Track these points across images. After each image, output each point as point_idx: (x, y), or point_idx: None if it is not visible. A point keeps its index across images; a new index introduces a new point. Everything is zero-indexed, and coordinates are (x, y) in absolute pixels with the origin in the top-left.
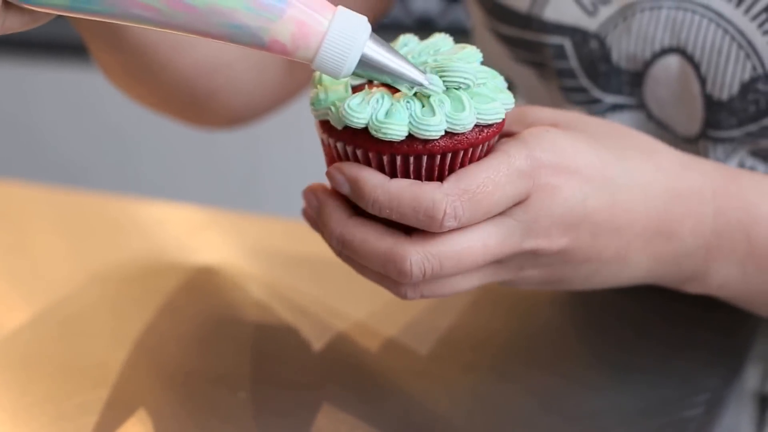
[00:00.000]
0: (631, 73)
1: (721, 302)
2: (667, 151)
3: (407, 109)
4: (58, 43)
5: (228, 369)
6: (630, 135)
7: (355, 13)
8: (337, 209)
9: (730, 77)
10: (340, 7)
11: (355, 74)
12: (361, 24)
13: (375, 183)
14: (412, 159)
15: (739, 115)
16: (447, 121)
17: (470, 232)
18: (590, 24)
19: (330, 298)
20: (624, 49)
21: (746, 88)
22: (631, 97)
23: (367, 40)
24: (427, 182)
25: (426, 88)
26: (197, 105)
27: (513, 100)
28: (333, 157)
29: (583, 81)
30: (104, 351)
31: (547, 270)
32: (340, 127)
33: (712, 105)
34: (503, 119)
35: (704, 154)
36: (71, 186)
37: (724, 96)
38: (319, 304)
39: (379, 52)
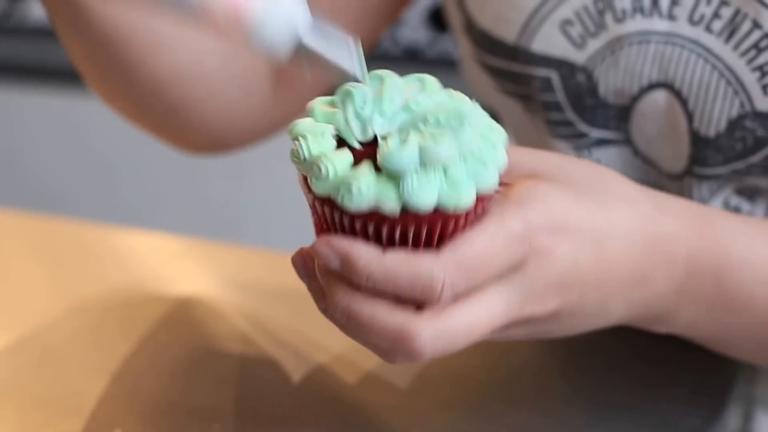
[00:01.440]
0: (618, 108)
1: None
2: (644, 197)
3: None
4: (38, 68)
5: (203, 401)
6: (609, 179)
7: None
8: (338, 284)
9: (717, 113)
10: None
11: (293, 62)
12: (301, 8)
13: (369, 258)
14: (385, 232)
15: (726, 153)
16: (438, 200)
17: (476, 303)
18: (578, 57)
19: (308, 330)
20: (611, 83)
21: (734, 125)
22: (617, 131)
23: (306, 27)
24: (422, 255)
25: (361, 81)
26: (175, 117)
27: (505, 159)
28: (316, 212)
29: (570, 114)
30: (79, 380)
31: (532, 329)
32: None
33: (698, 141)
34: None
35: (689, 191)
36: (49, 212)
37: (711, 132)
38: (298, 337)
39: (319, 41)
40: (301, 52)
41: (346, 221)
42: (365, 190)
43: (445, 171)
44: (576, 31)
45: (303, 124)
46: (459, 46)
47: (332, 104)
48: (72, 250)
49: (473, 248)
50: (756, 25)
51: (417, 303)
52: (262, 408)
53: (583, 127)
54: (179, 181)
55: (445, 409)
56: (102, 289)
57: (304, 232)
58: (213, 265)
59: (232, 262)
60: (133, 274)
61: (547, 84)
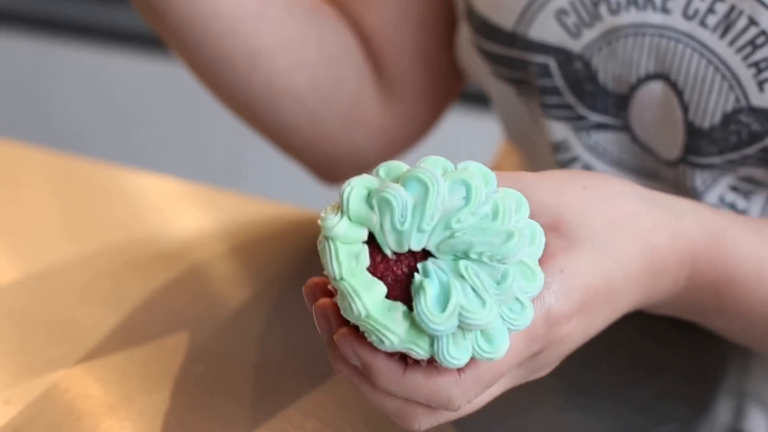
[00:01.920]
0: (617, 95)
1: (693, 325)
2: (660, 223)
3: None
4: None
5: (194, 342)
6: (629, 217)
7: None
8: (388, 363)
9: (712, 107)
10: None
11: None
12: None
13: (388, 375)
14: None
15: (720, 144)
16: (473, 354)
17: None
18: (574, 45)
19: (301, 276)
20: (610, 71)
21: (728, 118)
22: (616, 118)
23: None
24: (442, 376)
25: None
26: (312, 134)
27: (541, 283)
28: None
29: (569, 98)
30: (74, 308)
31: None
32: None
33: (693, 132)
34: None
35: (683, 178)
36: (65, 150)
37: (706, 124)
38: (289, 282)
39: None
40: None
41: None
42: (396, 344)
43: (477, 332)
44: (571, 20)
45: (337, 227)
46: (460, 30)
47: (369, 195)
48: (84, 187)
49: (494, 370)
50: (752, 21)
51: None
52: (247, 354)
53: (582, 110)
54: (188, 131)
55: None
56: (105, 225)
57: (300, 185)
58: (212, 208)
59: (229, 207)
60: (136, 213)
61: (544, 70)
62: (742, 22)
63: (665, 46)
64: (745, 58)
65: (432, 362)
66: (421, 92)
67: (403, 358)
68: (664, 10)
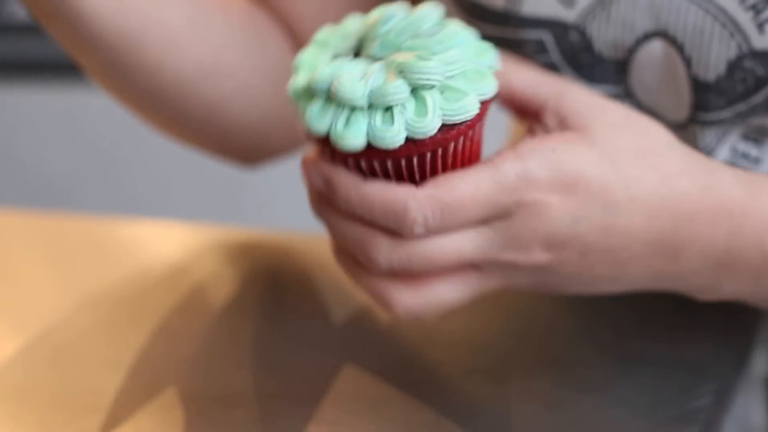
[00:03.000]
0: (615, 62)
1: None
2: (690, 171)
3: (367, 117)
4: (38, 63)
5: (225, 388)
6: (657, 153)
7: None
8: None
9: (715, 57)
10: None
11: None
12: None
13: (348, 184)
14: (377, 163)
15: (728, 95)
16: (407, 129)
17: (445, 236)
18: (568, 15)
19: (327, 309)
20: (605, 37)
21: (733, 66)
22: (616, 86)
23: None
24: (401, 186)
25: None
26: (212, 120)
27: (493, 87)
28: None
29: (567, 73)
30: (97, 377)
31: (536, 278)
32: None
33: (699, 87)
34: (482, 107)
35: (693, 139)
36: (53, 209)
37: (711, 76)
38: (316, 317)
39: None
40: None
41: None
42: (315, 114)
43: (415, 99)
44: None
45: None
46: (448, 14)
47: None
48: (78, 245)
49: (454, 191)
50: None
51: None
52: (284, 391)
53: (582, 83)
54: (183, 169)
55: (468, 377)
56: (112, 283)
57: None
58: (223, 249)
59: (242, 245)
60: (142, 265)
61: (540, 46)
62: None
63: (660, 1)
64: (742, 1)
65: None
66: None
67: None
68: None
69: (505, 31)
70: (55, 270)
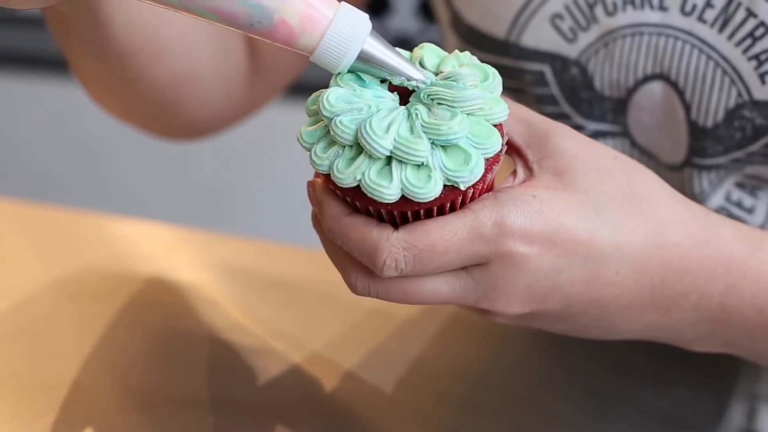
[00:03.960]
0: (614, 100)
1: None
2: (684, 224)
3: (367, 165)
4: (30, 56)
5: (198, 393)
6: (647, 199)
7: (357, 9)
8: (336, 204)
9: (715, 104)
10: (344, 2)
11: (352, 69)
12: (364, 19)
13: (332, 213)
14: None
15: (725, 142)
16: (403, 189)
17: (427, 281)
18: (570, 51)
19: (303, 319)
20: (607, 76)
21: (731, 114)
22: (614, 124)
23: (368, 36)
24: (378, 227)
25: (422, 83)
26: (164, 116)
27: (498, 144)
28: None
29: (565, 107)
30: (73, 370)
31: (516, 321)
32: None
33: (696, 132)
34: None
35: (689, 183)
36: (42, 201)
37: (709, 123)
38: (292, 327)
39: (378, 48)
40: (362, 59)
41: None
42: (319, 150)
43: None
44: (566, 24)
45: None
46: (446, 40)
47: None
48: (63, 238)
49: (427, 236)
50: (750, 13)
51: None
52: (257, 400)
53: (579, 119)
54: (169, 169)
55: (442, 404)
56: (94, 278)
57: (296, 221)
58: (206, 254)
59: (225, 251)
60: (125, 263)
61: (540, 78)
62: (740, 15)
63: (663, 44)
64: (745, 51)
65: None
66: (292, 72)
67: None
68: (662, 7)
69: (503, 60)
70: (38, 262)
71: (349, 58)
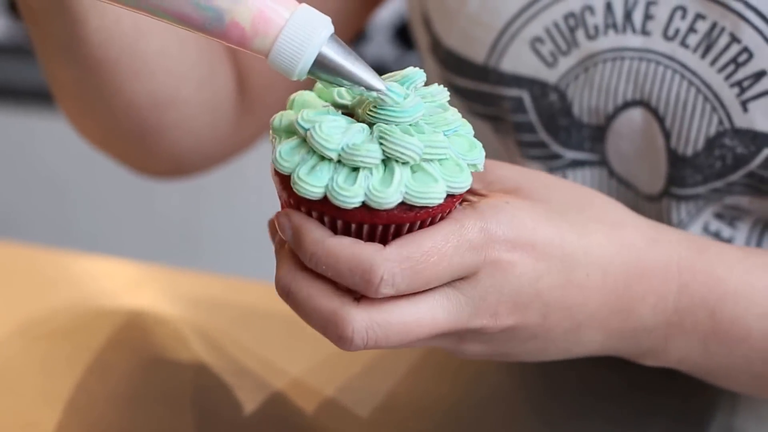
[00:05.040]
0: (593, 128)
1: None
2: (634, 225)
3: (332, 171)
4: None
5: (162, 430)
6: (596, 205)
7: (318, 11)
8: (289, 258)
9: (695, 132)
10: (304, 4)
11: (310, 73)
12: (323, 21)
13: (315, 237)
14: (339, 223)
15: (705, 172)
16: (365, 194)
17: (419, 303)
18: (549, 76)
19: (269, 355)
20: (586, 102)
21: (712, 143)
22: (592, 153)
23: (327, 39)
24: (368, 243)
25: (385, 94)
26: (145, 143)
27: (466, 183)
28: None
29: (543, 135)
30: (34, 410)
31: (490, 346)
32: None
33: (676, 161)
34: (448, 201)
35: (667, 213)
36: (2, 237)
37: (689, 151)
38: (258, 362)
39: (338, 53)
40: (320, 65)
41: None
42: (284, 152)
43: (386, 168)
44: (547, 48)
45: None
46: (425, 66)
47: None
48: (24, 276)
49: (421, 247)
50: (734, 39)
51: (357, 292)
52: None
53: (556, 148)
54: (134, 205)
55: None
56: (55, 316)
57: (262, 256)
58: (170, 290)
59: (190, 287)
60: (88, 300)
61: (518, 104)
62: (723, 40)
63: (645, 69)
64: (728, 77)
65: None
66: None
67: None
68: (644, 32)
69: (482, 86)
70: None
71: (305, 62)
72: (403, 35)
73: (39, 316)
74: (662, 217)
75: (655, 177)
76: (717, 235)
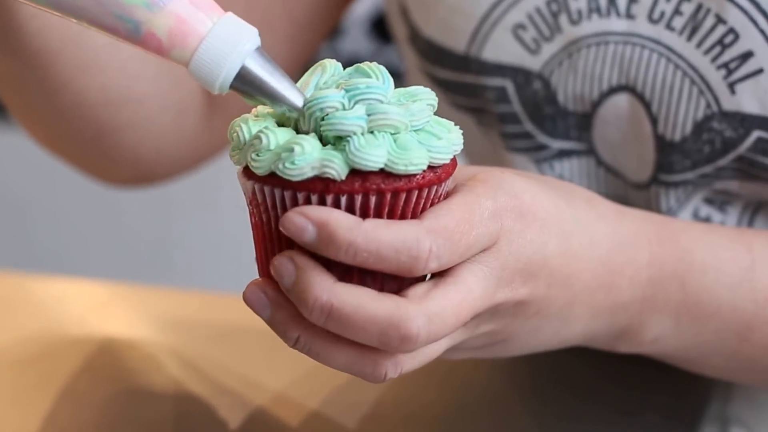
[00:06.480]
0: (578, 116)
1: (673, 367)
2: (602, 200)
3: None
4: None
5: None
6: (568, 184)
7: (245, 22)
8: (321, 272)
9: (683, 116)
10: (230, 13)
11: (232, 88)
12: (249, 32)
13: (349, 224)
14: (359, 198)
15: (693, 157)
16: (387, 161)
17: (457, 283)
18: (533, 63)
19: (249, 371)
20: (570, 89)
21: (700, 127)
22: (579, 141)
23: (251, 51)
24: (404, 220)
25: (302, 111)
26: (102, 144)
27: (460, 139)
28: (260, 212)
29: (528, 126)
30: None
31: (498, 325)
32: (263, 172)
33: (664, 146)
34: (453, 161)
35: (656, 201)
36: None
37: (677, 136)
38: (237, 379)
39: (262, 67)
40: (243, 79)
41: (289, 200)
42: (309, 150)
43: (394, 137)
44: (529, 35)
45: (241, 118)
46: (404, 57)
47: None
48: None
49: (454, 217)
50: (720, 20)
51: (401, 279)
52: None
53: (543, 138)
54: (99, 222)
55: None
56: (20, 342)
57: (236, 270)
58: (141, 310)
59: (161, 305)
60: (54, 324)
61: (501, 94)
62: (709, 21)
63: (630, 54)
64: (714, 59)
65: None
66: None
67: None
68: (629, 15)
69: (464, 77)
70: None
71: (226, 76)
72: (379, 29)
73: (2, 343)
74: (651, 205)
75: (642, 164)
76: (707, 221)
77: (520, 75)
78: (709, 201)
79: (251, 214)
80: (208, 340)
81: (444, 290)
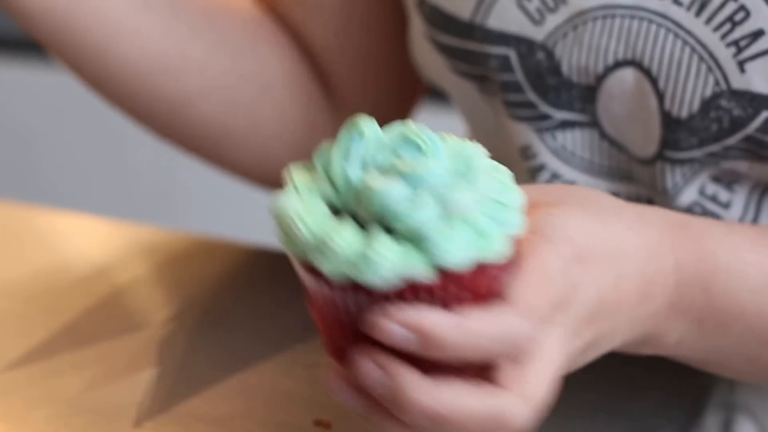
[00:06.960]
0: (582, 88)
1: None
2: (622, 206)
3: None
4: None
5: (132, 398)
6: (595, 195)
7: None
8: (415, 375)
9: (690, 93)
10: None
11: None
12: None
13: (450, 324)
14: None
15: (700, 135)
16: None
17: (543, 354)
18: (536, 33)
19: (251, 318)
20: (575, 61)
21: (707, 105)
22: (582, 113)
23: None
24: (496, 308)
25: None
26: (177, 120)
27: (522, 197)
28: (327, 302)
29: (531, 95)
30: (1, 375)
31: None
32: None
33: (670, 123)
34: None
35: (661, 177)
36: None
37: (684, 113)
38: (239, 327)
39: None
40: None
41: (368, 306)
42: (389, 256)
43: (465, 221)
44: (533, 5)
45: (289, 200)
46: (409, 23)
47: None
48: None
49: (539, 290)
50: None
51: (489, 369)
52: (193, 407)
53: (545, 108)
54: (104, 159)
55: None
56: (25, 276)
57: (239, 214)
58: (146, 251)
59: (165, 248)
60: (59, 260)
61: (504, 63)
62: None
63: (637, 28)
64: (724, 36)
65: None
66: (377, 100)
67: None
68: None
69: (467, 44)
70: None
71: None
72: None
73: (6, 276)
74: (656, 181)
75: (648, 140)
76: (714, 199)
77: (523, 45)
78: (716, 179)
79: (312, 301)
80: (208, 283)
81: (534, 368)
